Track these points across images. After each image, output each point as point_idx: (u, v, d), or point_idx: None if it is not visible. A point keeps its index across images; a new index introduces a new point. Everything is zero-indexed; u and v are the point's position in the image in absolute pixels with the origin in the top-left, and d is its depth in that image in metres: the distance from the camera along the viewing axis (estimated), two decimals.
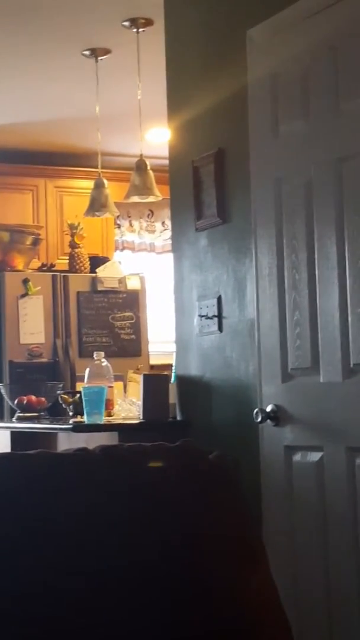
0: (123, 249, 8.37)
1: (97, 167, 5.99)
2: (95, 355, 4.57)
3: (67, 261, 7.41)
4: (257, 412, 3.48)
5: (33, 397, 5.34)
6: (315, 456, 3.29)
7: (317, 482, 3.28)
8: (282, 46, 3.47)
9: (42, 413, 5.28)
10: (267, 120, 3.52)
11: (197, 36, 4.02)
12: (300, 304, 3.35)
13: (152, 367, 7.22)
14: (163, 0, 4.25)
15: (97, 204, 5.80)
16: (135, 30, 5.25)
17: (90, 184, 6.04)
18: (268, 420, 3.46)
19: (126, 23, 5.23)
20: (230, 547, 1.97)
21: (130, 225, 8.40)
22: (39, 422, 4.95)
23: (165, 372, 4.58)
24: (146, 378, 4.25)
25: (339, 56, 3.20)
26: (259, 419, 3.47)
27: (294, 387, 3.39)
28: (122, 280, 7.30)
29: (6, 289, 6.93)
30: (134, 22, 5.21)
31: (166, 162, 4.23)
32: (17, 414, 5.35)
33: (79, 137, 7.29)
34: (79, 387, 4.87)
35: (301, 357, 3.35)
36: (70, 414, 4.70)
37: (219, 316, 3.80)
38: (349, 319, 3.13)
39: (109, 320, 7.23)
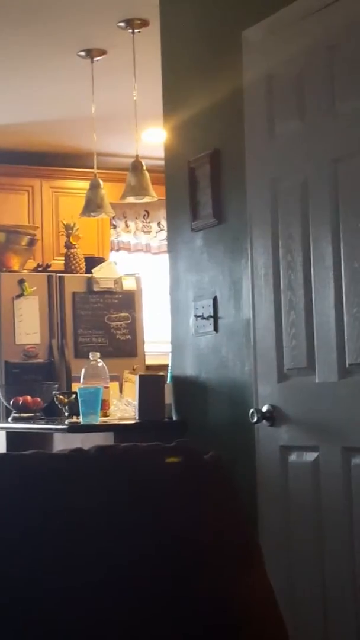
0: (119, 249, 8.38)
1: (92, 168, 5.99)
2: (91, 355, 4.57)
3: (63, 262, 7.41)
4: (252, 412, 3.48)
5: (29, 398, 5.34)
6: (310, 456, 3.29)
7: (312, 482, 3.28)
8: (277, 47, 3.47)
9: (37, 413, 5.29)
10: (263, 120, 3.52)
11: (193, 37, 4.02)
12: (295, 304, 3.35)
13: (148, 367, 7.22)
14: (159, 1, 4.26)
15: (92, 205, 5.80)
16: (130, 31, 5.25)
17: (85, 184, 6.05)
18: (264, 421, 3.46)
19: (122, 24, 5.23)
20: (225, 547, 1.97)
21: (126, 225, 8.41)
22: (34, 423, 4.96)
23: (161, 373, 4.58)
24: (142, 378, 4.25)
25: (334, 57, 3.20)
26: (255, 419, 3.47)
27: (290, 387, 3.40)
28: (117, 281, 7.31)
29: (2, 290, 6.93)
30: (129, 22, 5.22)
31: (162, 162, 4.23)
32: (12, 415, 5.35)
33: (75, 138, 7.30)
34: (75, 387, 4.88)
35: (297, 357, 3.35)
36: (66, 414, 4.70)
37: (215, 316, 3.80)
38: (345, 319, 3.13)
39: (104, 321, 7.24)
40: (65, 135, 7.35)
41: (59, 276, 7.17)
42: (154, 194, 5.47)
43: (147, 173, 5.47)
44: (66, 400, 4.72)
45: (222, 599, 1.91)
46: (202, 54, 3.95)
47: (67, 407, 4.69)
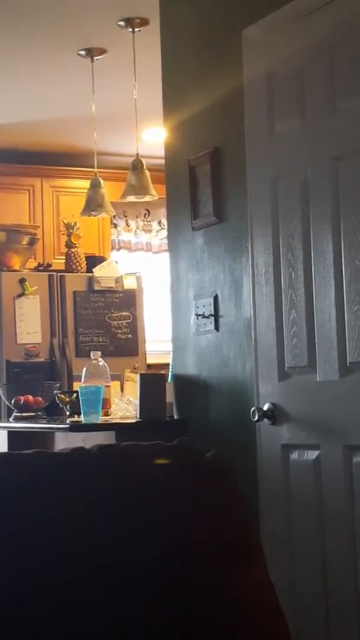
0: (120, 248, 8.38)
1: (93, 167, 6.00)
2: (92, 354, 4.57)
3: (64, 261, 7.42)
4: (254, 411, 3.48)
5: (30, 397, 5.34)
6: (312, 454, 3.29)
7: (314, 481, 3.28)
8: (277, 45, 3.47)
9: (39, 413, 5.29)
10: (263, 119, 3.52)
11: (193, 36, 4.02)
12: (296, 302, 3.35)
13: (149, 366, 7.23)
14: (158, 0, 4.26)
15: (93, 204, 5.81)
16: (131, 30, 5.25)
17: (86, 183, 6.05)
18: (265, 419, 3.46)
19: (122, 23, 5.23)
20: (227, 545, 1.97)
21: (127, 224, 8.41)
22: (36, 422, 4.96)
23: (162, 371, 4.58)
24: (143, 377, 4.26)
25: (334, 55, 3.20)
26: (256, 418, 3.47)
27: (291, 386, 3.40)
28: (118, 280, 7.31)
29: (3, 289, 6.93)
30: (129, 21, 5.22)
31: (162, 161, 4.23)
32: (14, 414, 5.35)
33: (75, 137, 7.30)
34: (76, 386, 4.88)
35: (298, 356, 3.35)
36: (67, 413, 4.70)
37: (216, 315, 3.81)
38: (346, 317, 3.13)
39: (105, 320, 7.24)
40: (66, 134, 7.35)
41: (60, 275, 7.17)
42: (155, 193, 5.47)
43: (147, 172, 5.47)
44: (67, 399, 4.71)
45: (223, 598, 1.91)
46: (202, 52, 3.95)
47: (68, 406, 4.69)
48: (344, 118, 3.17)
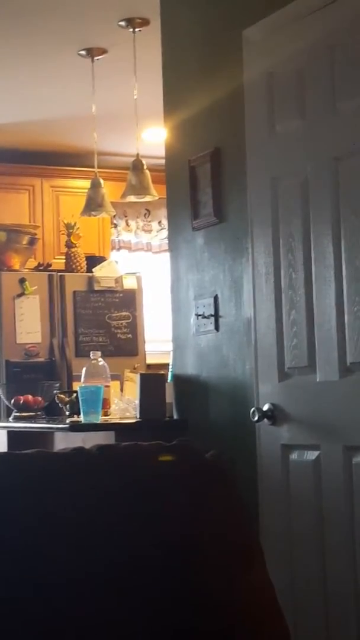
0: (120, 248, 8.38)
1: (93, 167, 6.00)
2: (92, 354, 4.57)
3: (64, 261, 7.41)
4: (253, 411, 3.48)
5: (30, 397, 5.34)
6: (312, 455, 3.29)
7: (314, 481, 3.28)
8: (278, 46, 3.47)
9: (38, 412, 5.28)
10: (264, 119, 3.52)
11: (193, 36, 4.02)
12: (296, 303, 3.35)
13: (149, 366, 7.22)
14: (159, 0, 4.26)
15: (93, 204, 5.81)
16: (131, 30, 5.25)
17: (86, 183, 6.05)
18: (265, 419, 3.46)
19: (122, 23, 5.23)
20: (226, 546, 1.97)
21: (127, 224, 8.41)
22: (35, 422, 4.96)
23: (162, 372, 4.58)
24: (143, 377, 4.26)
25: (335, 55, 3.20)
26: (256, 418, 3.47)
27: (291, 386, 3.40)
28: (118, 280, 7.31)
29: (3, 289, 6.93)
30: (130, 22, 5.22)
31: (163, 161, 4.23)
32: (13, 414, 5.35)
33: (76, 137, 7.30)
34: (76, 386, 4.88)
35: (298, 356, 3.35)
36: (67, 413, 4.70)
37: (216, 315, 3.81)
38: (346, 317, 3.13)
39: (105, 320, 7.24)
40: (66, 134, 7.35)
41: (60, 275, 7.17)
42: (155, 193, 5.47)
43: (147, 172, 5.47)
44: (67, 399, 4.71)
45: (223, 598, 1.90)
46: (203, 53, 3.95)
47: (68, 406, 4.69)
48: (344, 118, 3.17)
